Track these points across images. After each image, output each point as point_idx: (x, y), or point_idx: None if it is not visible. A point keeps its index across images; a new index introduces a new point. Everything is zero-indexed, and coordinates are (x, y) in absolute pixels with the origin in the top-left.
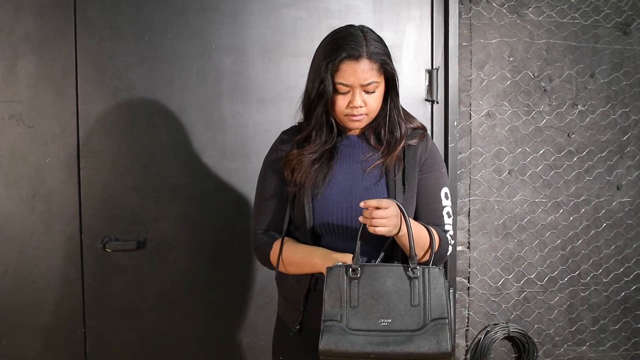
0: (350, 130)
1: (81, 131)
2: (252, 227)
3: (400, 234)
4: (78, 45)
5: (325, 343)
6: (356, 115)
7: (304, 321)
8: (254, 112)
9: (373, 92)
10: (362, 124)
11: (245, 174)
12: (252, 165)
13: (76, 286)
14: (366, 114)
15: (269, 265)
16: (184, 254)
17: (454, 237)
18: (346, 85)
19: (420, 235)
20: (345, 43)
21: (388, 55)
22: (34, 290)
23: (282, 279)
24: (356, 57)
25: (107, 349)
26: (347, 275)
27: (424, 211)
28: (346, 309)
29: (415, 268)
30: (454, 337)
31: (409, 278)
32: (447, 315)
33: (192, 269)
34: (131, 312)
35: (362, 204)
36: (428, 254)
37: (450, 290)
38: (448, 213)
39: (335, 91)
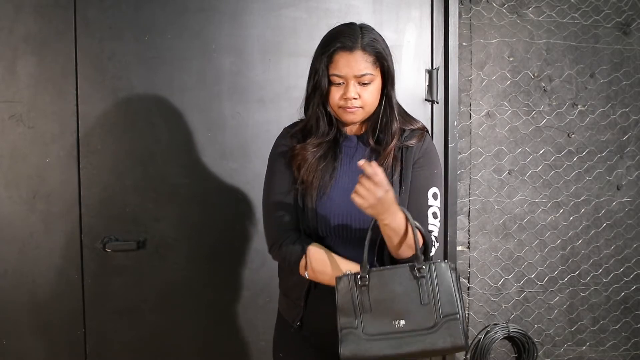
0: (345, 125)
1: (81, 131)
2: (267, 225)
3: (384, 222)
4: (78, 45)
5: (345, 349)
6: (350, 108)
7: (305, 317)
8: (254, 112)
9: (368, 85)
10: (357, 118)
11: (245, 174)
12: (252, 165)
13: (76, 286)
14: (361, 107)
15: (295, 269)
16: (184, 254)
17: (437, 239)
18: (340, 77)
19: (400, 227)
20: (341, 35)
21: (386, 50)
22: (34, 290)
23: (284, 274)
24: (350, 48)
25: (107, 349)
26: (356, 284)
27: (409, 208)
28: (360, 315)
29: (421, 267)
30: (467, 327)
31: (416, 278)
32: (457, 310)
33: (192, 269)
34: (131, 312)
35: (361, 163)
36: (407, 251)
37: (460, 280)
38: (434, 214)
39: (330, 83)
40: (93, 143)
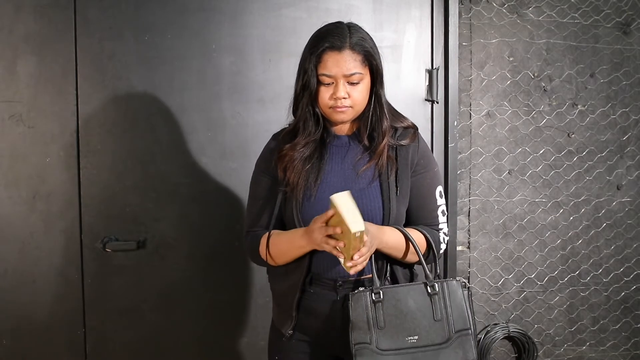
0: (333, 125)
1: (81, 131)
2: (245, 229)
3: (381, 248)
4: (78, 45)
5: None
6: (340, 107)
7: (297, 326)
8: (254, 112)
9: (357, 84)
10: (347, 117)
11: (245, 174)
12: (252, 166)
13: (76, 286)
14: (351, 107)
15: (262, 262)
16: (184, 254)
17: (447, 234)
18: (329, 76)
19: (399, 243)
20: (329, 35)
21: (373, 49)
22: (34, 290)
23: (275, 286)
24: (338, 48)
25: (107, 349)
26: (371, 300)
27: (421, 212)
28: (374, 331)
29: (434, 285)
30: (476, 341)
31: (429, 295)
32: (469, 325)
33: (192, 269)
34: (131, 312)
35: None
36: (412, 258)
37: (469, 296)
38: (443, 211)
39: (319, 83)
40: (93, 143)
